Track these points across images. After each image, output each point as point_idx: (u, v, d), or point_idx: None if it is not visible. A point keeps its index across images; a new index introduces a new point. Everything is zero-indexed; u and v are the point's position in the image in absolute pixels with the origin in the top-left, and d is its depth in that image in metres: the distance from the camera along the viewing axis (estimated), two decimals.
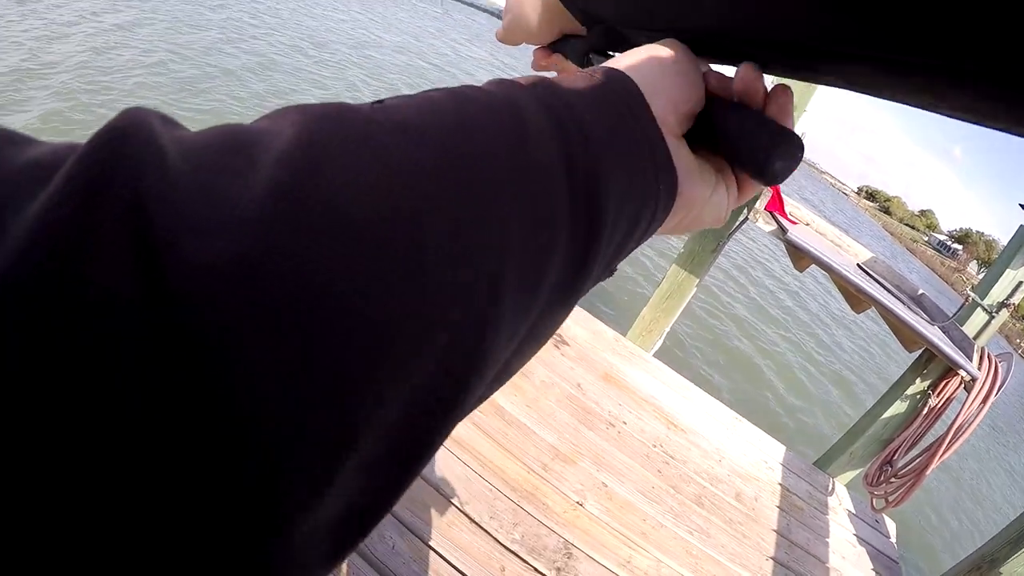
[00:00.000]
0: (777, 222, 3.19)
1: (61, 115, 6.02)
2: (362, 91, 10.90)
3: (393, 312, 0.21)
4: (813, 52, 0.34)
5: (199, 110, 7.21)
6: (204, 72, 8.53)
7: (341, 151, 0.22)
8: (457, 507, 2.20)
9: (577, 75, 0.34)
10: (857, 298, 3.20)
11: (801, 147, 0.36)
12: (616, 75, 0.35)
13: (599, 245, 0.30)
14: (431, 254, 0.22)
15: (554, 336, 2.89)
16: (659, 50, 0.38)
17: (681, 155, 0.37)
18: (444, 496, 2.23)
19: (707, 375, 6.76)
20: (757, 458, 3.28)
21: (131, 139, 0.19)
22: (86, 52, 7.58)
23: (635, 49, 0.39)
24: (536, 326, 0.29)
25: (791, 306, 11.28)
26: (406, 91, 0.30)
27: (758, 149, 0.37)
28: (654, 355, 3.73)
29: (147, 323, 0.17)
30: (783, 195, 3.33)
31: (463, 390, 0.24)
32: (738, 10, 0.35)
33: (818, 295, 12.75)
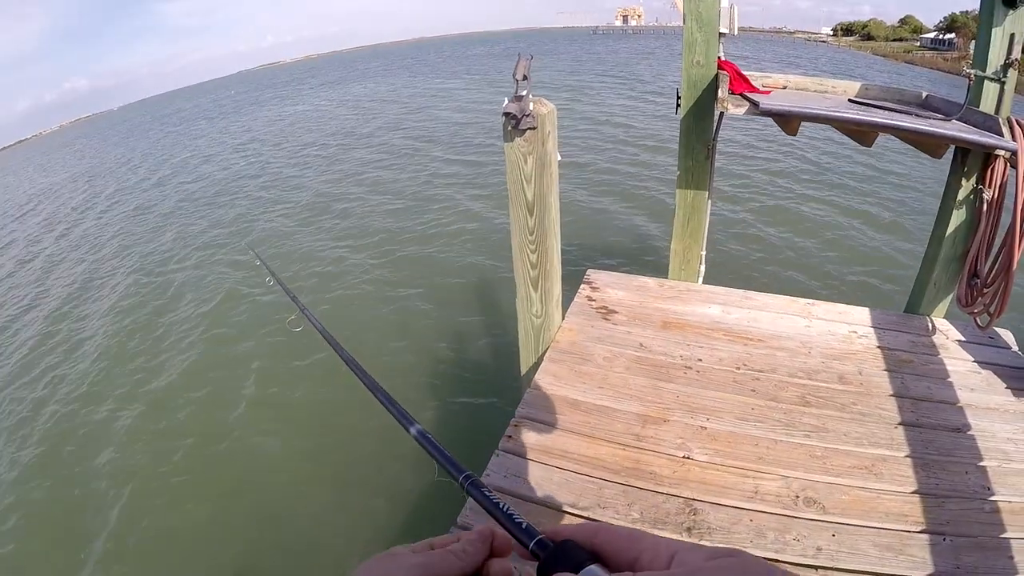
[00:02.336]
0: (748, 100, 3.06)
1: None
2: None
3: None
4: None
5: None
6: None
7: None
8: (569, 512, 2.18)
9: None
10: (861, 132, 3.03)
11: None
12: None
13: None
14: None
15: (599, 309, 2.87)
16: None
17: None
18: (553, 508, 2.21)
19: (764, 275, 6.55)
20: (846, 332, 3.15)
21: None
22: None
23: None
24: None
25: (810, 173, 10.77)
26: None
27: None
28: (703, 283, 3.63)
29: None
30: (744, 72, 3.20)
31: None
32: None
33: (828, 151, 12.09)
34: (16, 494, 5.00)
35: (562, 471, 2.38)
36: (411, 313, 6.87)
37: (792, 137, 3.57)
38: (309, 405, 5.38)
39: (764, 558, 0.42)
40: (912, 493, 2.15)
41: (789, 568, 1.88)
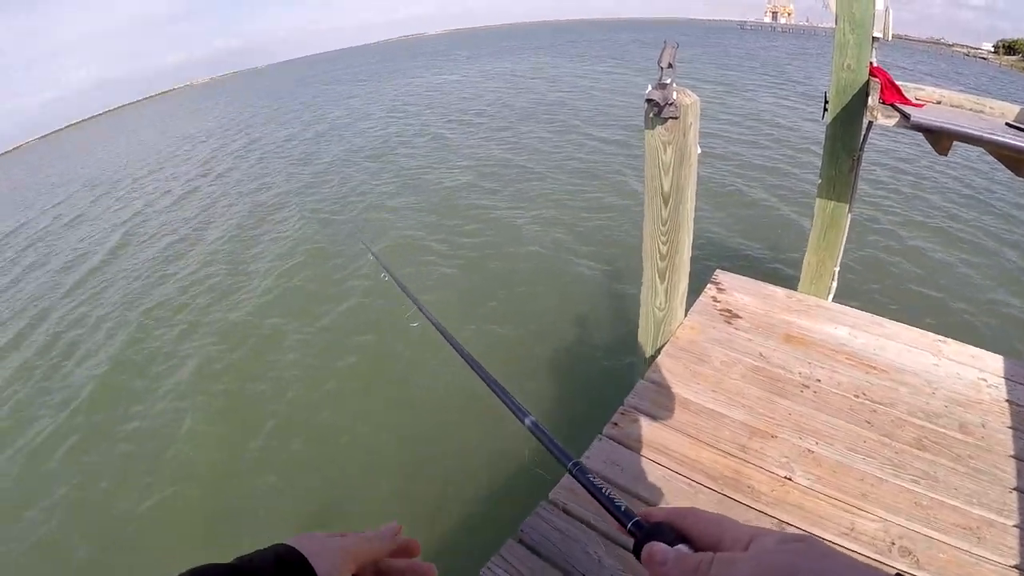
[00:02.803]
0: (899, 112, 2.93)
1: None
2: None
3: None
4: None
5: None
6: None
7: None
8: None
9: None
10: (1018, 161, 2.84)
11: None
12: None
13: None
14: None
15: (723, 311, 2.93)
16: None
17: None
18: (644, 501, 2.37)
19: (898, 302, 6.19)
20: (975, 378, 3.04)
21: None
22: None
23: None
24: None
25: (969, 196, 9.82)
26: None
27: None
28: (833, 300, 3.57)
29: None
30: (897, 82, 3.05)
31: None
32: None
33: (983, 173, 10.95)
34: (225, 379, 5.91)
35: (661, 468, 2.53)
36: (573, 277, 7.25)
37: (948, 156, 3.38)
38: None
39: None
40: (1014, 567, 2.15)
41: None
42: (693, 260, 3.27)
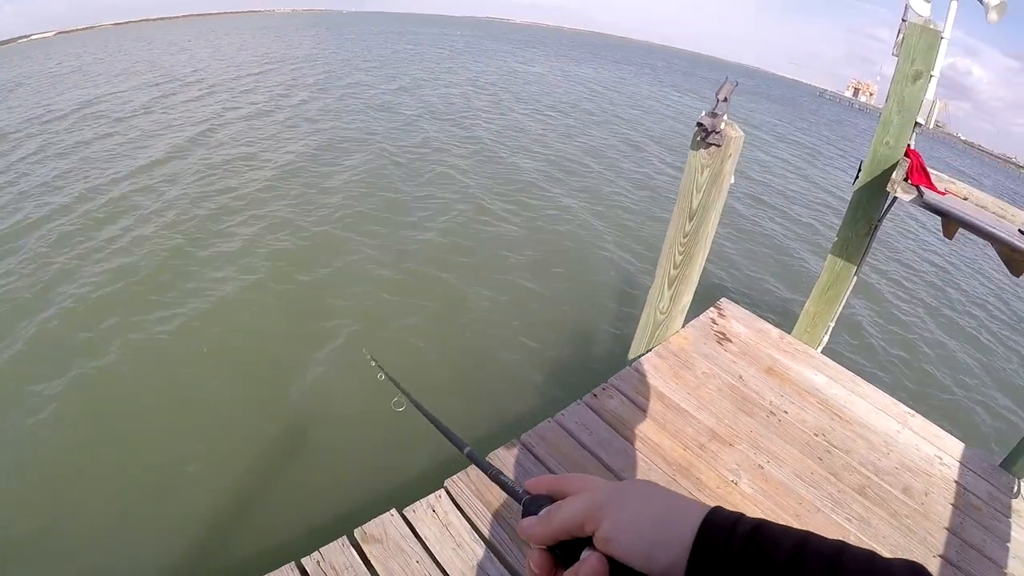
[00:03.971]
0: (917, 190, 3.13)
1: None
2: None
3: None
4: None
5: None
6: None
7: None
8: (615, 474, 2.52)
9: None
10: (1015, 260, 3.01)
11: None
12: None
13: None
14: None
15: (717, 332, 3.13)
16: None
17: None
18: (602, 463, 2.56)
19: (883, 364, 6.37)
20: (931, 453, 3.22)
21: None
22: None
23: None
24: None
25: (978, 294, 10.07)
26: None
27: None
28: (822, 351, 3.75)
29: None
30: (931, 170, 3.24)
31: None
32: None
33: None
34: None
35: (624, 441, 2.73)
36: (605, 263, 7.63)
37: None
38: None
39: None
40: None
41: None
42: (704, 281, 3.47)
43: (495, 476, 0.69)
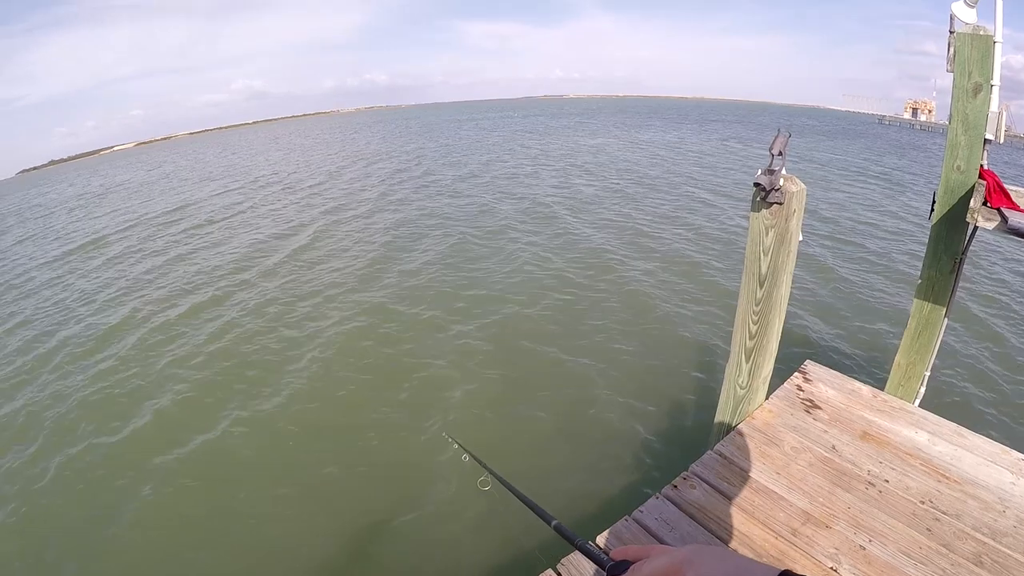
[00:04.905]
0: (1000, 215, 2.95)
1: None
2: None
3: None
4: None
5: None
6: None
7: None
8: None
9: None
10: None
11: None
12: None
13: None
14: None
15: (804, 400, 3.11)
16: None
17: None
18: None
19: (988, 416, 5.80)
20: None
21: None
22: None
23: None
24: None
25: None
26: None
27: None
28: (920, 404, 3.60)
29: None
30: (1005, 186, 3.06)
31: None
32: None
33: None
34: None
35: (709, 535, 2.73)
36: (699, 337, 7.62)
37: None
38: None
39: None
40: None
41: None
42: (785, 340, 3.42)
43: (581, 546, 0.86)
